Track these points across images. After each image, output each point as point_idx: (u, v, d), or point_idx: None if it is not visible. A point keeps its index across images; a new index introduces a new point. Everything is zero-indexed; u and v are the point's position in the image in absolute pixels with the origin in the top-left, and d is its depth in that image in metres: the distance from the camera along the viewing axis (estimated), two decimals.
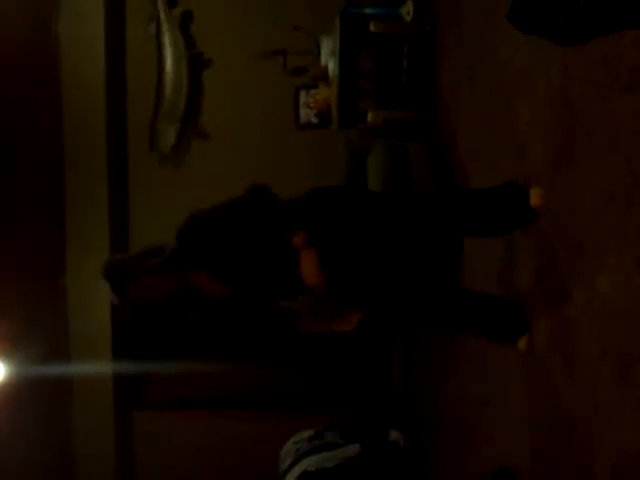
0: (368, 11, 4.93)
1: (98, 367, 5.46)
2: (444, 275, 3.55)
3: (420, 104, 4.77)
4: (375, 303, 2.63)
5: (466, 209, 2.69)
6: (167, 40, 5.67)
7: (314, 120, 5.59)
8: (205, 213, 2.50)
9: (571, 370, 2.37)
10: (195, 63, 5.72)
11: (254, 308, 2.53)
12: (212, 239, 2.41)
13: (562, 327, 2.46)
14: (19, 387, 4.77)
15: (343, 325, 2.54)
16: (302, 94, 5.59)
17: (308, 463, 4.24)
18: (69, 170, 5.65)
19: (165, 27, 5.66)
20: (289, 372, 5.80)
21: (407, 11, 4.85)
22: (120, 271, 2.33)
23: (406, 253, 2.69)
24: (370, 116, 4.72)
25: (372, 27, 4.72)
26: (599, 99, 2.21)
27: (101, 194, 5.65)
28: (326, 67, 5.12)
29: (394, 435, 4.35)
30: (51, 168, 5.59)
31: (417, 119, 4.74)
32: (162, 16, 5.63)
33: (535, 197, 2.60)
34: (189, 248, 2.41)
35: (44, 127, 5.53)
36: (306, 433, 4.58)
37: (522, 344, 2.72)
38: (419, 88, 4.78)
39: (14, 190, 5.05)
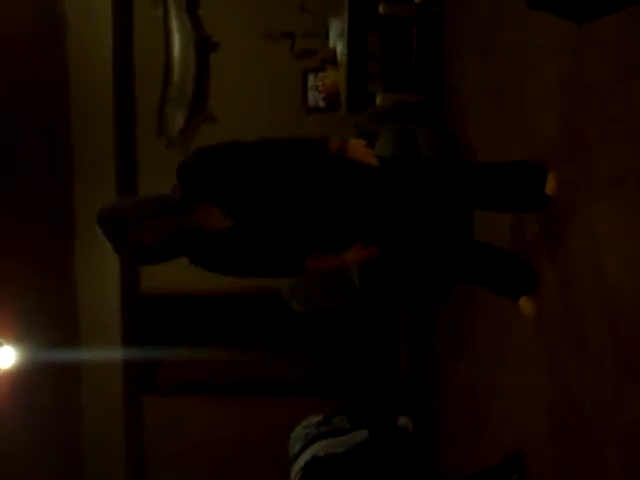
0: None
1: (108, 352, 5.48)
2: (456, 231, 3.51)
3: (429, 87, 4.71)
4: (391, 240, 2.62)
5: (478, 179, 2.64)
6: (174, 24, 5.64)
7: (322, 104, 5.54)
8: (213, 148, 2.40)
9: (582, 355, 2.34)
10: (203, 47, 5.69)
11: (261, 242, 2.43)
12: (221, 171, 2.33)
13: (572, 310, 2.43)
14: (30, 372, 4.81)
15: (357, 255, 2.47)
16: (310, 77, 5.55)
17: (317, 448, 4.24)
18: (77, 155, 5.65)
19: (172, 11, 5.63)
20: (299, 358, 5.81)
21: None
22: (118, 215, 2.20)
23: (420, 211, 2.67)
24: (379, 99, 4.67)
25: (381, 9, 4.66)
26: (611, 79, 2.16)
27: (109, 179, 5.65)
28: (334, 50, 5.08)
29: (403, 420, 4.34)
30: (59, 154, 5.59)
31: (426, 102, 4.69)
32: (169, 0, 5.59)
33: (551, 184, 2.56)
34: (195, 180, 2.32)
35: (52, 112, 5.53)
36: (315, 418, 4.57)
37: (529, 308, 2.72)
38: (428, 71, 4.72)
39: (25, 176, 5.06)
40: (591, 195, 2.30)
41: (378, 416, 4.37)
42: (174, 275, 5.82)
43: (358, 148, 2.42)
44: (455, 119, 4.32)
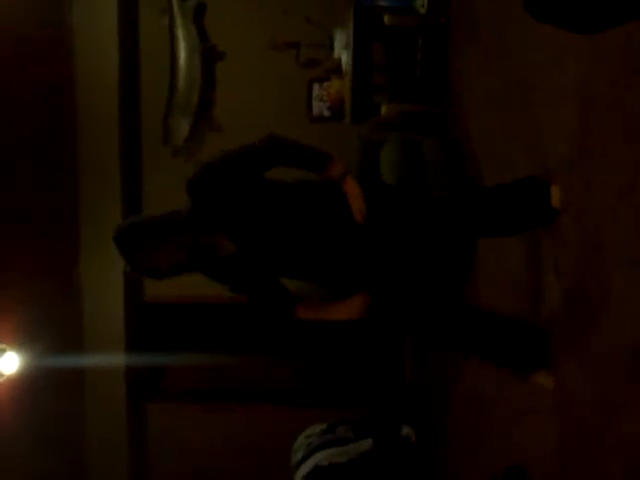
0: (382, 3, 4.89)
1: (111, 359, 5.49)
2: (454, 283, 3.46)
3: (434, 97, 4.73)
4: (383, 291, 2.56)
5: (484, 207, 2.61)
6: (180, 33, 5.67)
7: (327, 113, 5.55)
8: (218, 161, 2.37)
9: (586, 363, 2.35)
10: (208, 56, 5.72)
11: (259, 275, 2.42)
12: (225, 189, 2.31)
13: (579, 323, 2.44)
14: (33, 378, 4.80)
15: (346, 310, 2.39)
16: (315, 87, 5.56)
17: (320, 457, 4.23)
18: (82, 163, 5.67)
19: (178, 20, 5.65)
20: (302, 366, 5.80)
21: (421, 4, 4.81)
22: (135, 236, 2.24)
23: (418, 252, 2.62)
24: (384, 109, 4.69)
25: (386, 20, 4.69)
26: (617, 90, 2.17)
27: (114, 187, 5.67)
28: (339, 60, 5.10)
29: (406, 430, 4.33)
30: (65, 162, 5.61)
31: (431, 112, 4.71)
32: (175, 9, 5.62)
33: (556, 197, 2.55)
34: (201, 200, 2.31)
35: (57, 121, 5.55)
36: (318, 427, 4.57)
37: (545, 380, 2.62)
38: (433, 81, 4.74)
39: (29, 184, 5.08)
40: (598, 205, 2.31)
41: (382, 426, 4.37)
42: (178, 282, 5.84)
43: (355, 195, 2.35)
44: (460, 128, 4.33)
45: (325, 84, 5.47)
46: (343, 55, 4.99)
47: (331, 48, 5.26)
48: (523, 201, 2.60)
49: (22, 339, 4.74)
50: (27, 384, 4.79)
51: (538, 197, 2.58)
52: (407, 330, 3.03)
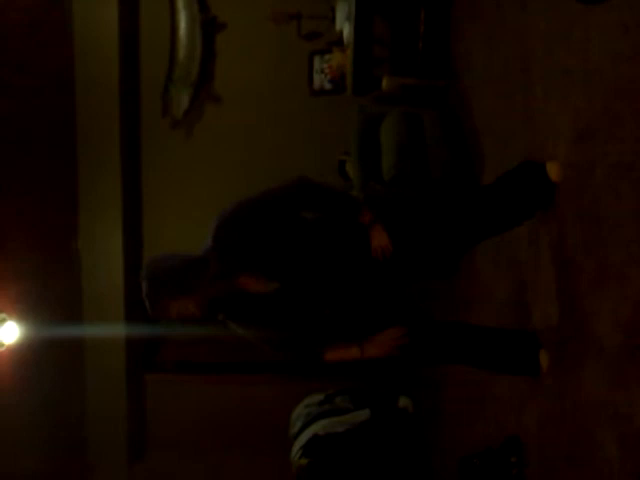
0: None
1: (111, 329, 5.52)
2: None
3: (436, 71, 4.71)
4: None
5: (487, 210, 2.60)
6: (181, 4, 5.61)
7: (328, 86, 5.53)
8: (239, 211, 2.28)
9: (582, 337, 2.38)
10: (209, 27, 5.67)
11: (292, 314, 2.40)
12: (252, 239, 2.25)
13: (578, 316, 2.46)
14: (33, 348, 4.84)
15: (379, 346, 2.41)
16: (316, 60, 5.53)
17: (318, 427, 4.29)
18: (82, 135, 5.65)
19: None
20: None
21: None
22: (164, 286, 2.17)
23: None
24: (385, 82, 4.67)
25: None
26: (620, 64, 2.17)
27: (114, 159, 5.66)
28: (341, 32, 5.07)
29: (403, 401, 4.39)
30: (64, 134, 5.59)
31: (432, 86, 4.69)
32: None
33: (554, 172, 2.56)
34: (229, 252, 2.25)
35: (56, 92, 5.52)
36: (317, 397, 4.62)
37: (543, 363, 2.66)
38: (435, 55, 4.72)
39: (28, 156, 5.07)
40: (600, 182, 2.32)
41: (379, 396, 4.42)
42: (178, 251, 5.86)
43: (383, 240, 2.36)
44: (461, 102, 4.32)
45: (326, 57, 5.44)
46: (345, 27, 4.95)
47: (333, 20, 5.23)
48: (522, 189, 2.60)
49: (22, 309, 4.76)
50: (27, 354, 4.82)
51: (536, 179, 2.58)
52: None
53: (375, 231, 2.39)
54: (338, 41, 5.19)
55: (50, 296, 5.18)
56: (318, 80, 5.55)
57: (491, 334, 2.76)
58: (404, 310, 2.51)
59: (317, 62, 5.53)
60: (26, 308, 4.81)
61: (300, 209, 2.34)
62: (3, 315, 4.64)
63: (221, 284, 2.25)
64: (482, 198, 2.69)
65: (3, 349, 4.66)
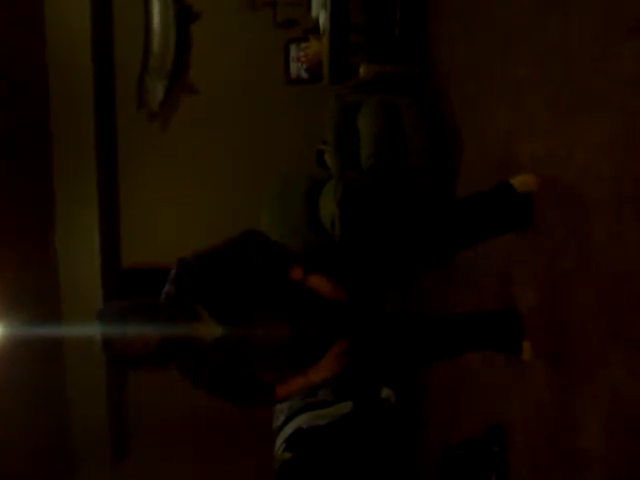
0: None
1: (90, 328, 5.44)
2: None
3: (413, 58, 4.67)
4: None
5: (464, 223, 2.58)
6: None
7: (305, 75, 5.47)
8: (201, 256, 2.40)
9: (565, 319, 2.35)
10: (183, 17, 5.59)
11: (238, 364, 2.42)
12: (211, 279, 2.34)
13: (555, 292, 2.44)
14: (12, 348, 4.76)
15: (326, 368, 2.42)
16: (293, 48, 5.47)
17: (301, 420, 4.26)
18: (56, 130, 5.56)
19: None
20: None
21: None
22: (121, 316, 2.22)
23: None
24: (362, 70, 4.62)
25: None
26: (599, 47, 2.13)
27: (89, 153, 5.58)
28: (317, 20, 5.00)
29: (386, 392, 4.36)
30: (37, 128, 5.49)
31: (410, 74, 4.64)
32: None
33: (528, 184, 2.53)
34: (191, 290, 2.33)
35: (30, 84, 5.42)
36: None
37: (526, 354, 2.63)
38: (412, 42, 4.67)
39: (1, 152, 4.97)
40: (574, 168, 2.29)
41: (362, 388, 4.39)
42: (155, 249, 5.80)
43: (321, 286, 2.37)
44: (439, 90, 4.28)
45: (303, 45, 5.37)
46: (321, 15, 4.89)
47: (308, 8, 5.16)
48: (498, 210, 2.57)
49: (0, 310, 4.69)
50: (6, 354, 4.75)
51: (512, 201, 2.55)
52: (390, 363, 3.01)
53: (315, 281, 2.38)
54: (314, 29, 5.13)
55: (27, 294, 5.09)
56: (295, 69, 5.50)
57: (473, 318, 2.73)
58: (348, 324, 2.49)
59: (293, 50, 5.47)
60: (4, 307, 4.74)
61: (246, 260, 2.39)
62: None
63: (178, 326, 2.26)
64: (457, 213, 2.66)
65: None
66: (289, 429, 4.27)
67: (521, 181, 2.55)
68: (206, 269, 2.35)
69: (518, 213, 2.58)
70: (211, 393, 2.49)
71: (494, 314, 2.77)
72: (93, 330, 2.28)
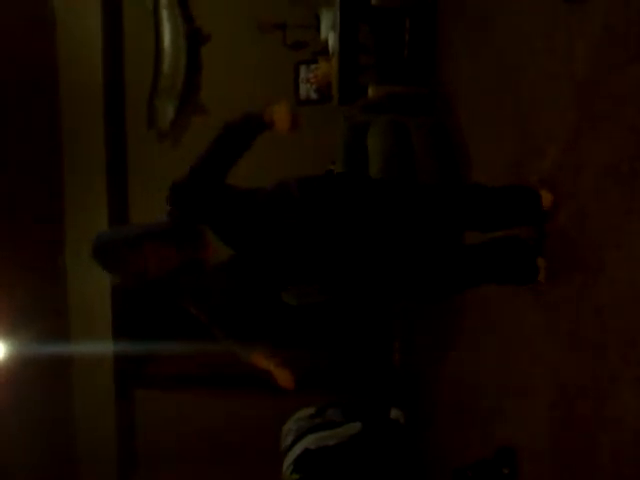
0: None
1: (98, 346, 5.45)
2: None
3: (422, 79, 4.69)
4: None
5: (473, 203, 2.53)
6: (165, 15, 5.59)
7: (314, 96, 5.51)
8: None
9: (574, 347, 2.34)
10: (193, 38, 5.64)
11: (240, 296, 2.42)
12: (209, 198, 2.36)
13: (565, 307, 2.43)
14: (19, 366, 4.76)
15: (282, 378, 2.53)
16: (302, 69, 5.51)
17: (309, 441, 4.24)
18: (67, 149, 5.60)
19: (163, 2, 5.57)
20: (291, 351, 5.78)
21: None
22: (115, 243, 2.17)
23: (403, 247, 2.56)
24: (371, 91, 4.64)
25: (373, 0, 4.64)
26: (605, 68, 2.14)
27: (99, 172, 5.61)
28: (326, 41, 5.04)
29: (395, 413, 4.34)
30: (49, 147, 5.53)
31: (419, 94, 4.67)
32: None
33: (546, 200, 2.51)
34: (189, 201, 2.35)
35: (41, 104, 5.47)
36: (308, 411, 4.57)
37: (541, 274, 2.56)
38: (421, 63, 4.70)
39: (13, 172, 5.02)
40: (584, 184, 2.29)
41: (371, 408, 4.37)
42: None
43: (281, 114, 2.40)
44: (449, 110, 4.30)
45: (312, 66, 5.41)
46: (330, 36, 4.93)
47: (317, 29, 5.21)
48: (512, 204, 2.55)
49: (8, 327, 4.69)
50: (13, 372, 4.75)
51: (528, 202, 2.53)
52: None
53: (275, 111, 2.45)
54: (323, 50, 5.17)
55: (36, 313, 5.10)
56: (304, 90, 5.53)
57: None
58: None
59: (303, 72, 5.51)
60: (12, 325, 4.74)
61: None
62: None
63: (186, 247, 2.26)
64: (471, 193, 2.62)
65: None
66: (297, 450, 4.25)
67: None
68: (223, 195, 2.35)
69: (531, 213, 2.55)
70: (213, 322, 2.52)
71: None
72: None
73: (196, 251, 2.31)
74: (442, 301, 2.77)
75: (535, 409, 2.69)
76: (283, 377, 2.55)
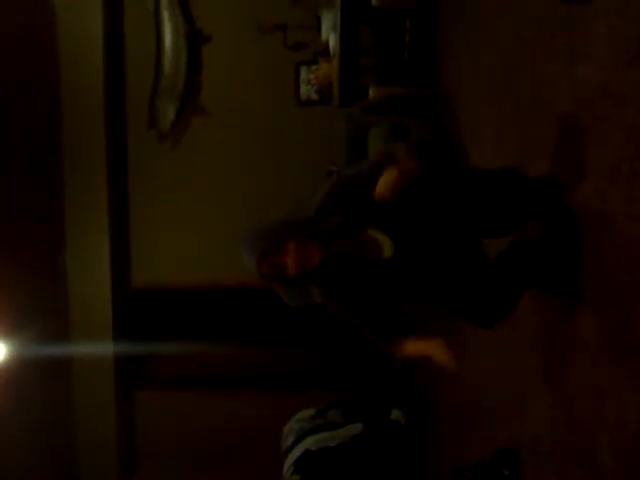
0: None
1: (99, 347, 5.45)
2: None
3: (422, 80, 4.69)
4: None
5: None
6: (166, 16, 5.59)
7: (315, 97, 5.51)
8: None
9: (576, 345, 2.34)
10: (194, 39, 5.65)
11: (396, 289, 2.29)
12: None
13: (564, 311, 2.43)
14: (19, 367, 4.76)
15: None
16: (303, 70, 5.51)
17: (310, 442, 4.24)
18: (68, 149, 5.60)
19: (163, 3, 5.57)
20: (291, 351, 5.79)
21: None
22: (275, 236, 2.01)
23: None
24: (371, 92, 4.64)
25: (373, 1, 4.64)
26: (605, 68, 2.15)
27: (100, 172, 5.62)
28: (327, 42, 5.05)
29: (395, 414, 4.34)
30: (50, 148, 5.54)
31: (419, 95, 4.67)
32: None
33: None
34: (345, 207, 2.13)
35: (42, 105, 5.48)
36: (308, 412, 4.57)
37: None
38: (421, 64, 4.70)
39: (14, 172, 5.02)
40: (594, 181, 2.29)
41: (371, 409, 4.37)
42: (165, 269, 5.82)
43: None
44: (449, 112, 4.30)
45: (312, 67, 5.41)
46: (330, 37, 4.93)
47: (318, 30, 5.21)
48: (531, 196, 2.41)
49: (8, 328, 4.69)
50: (14, 373, 4.75)
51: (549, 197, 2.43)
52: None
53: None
54: (324, 51, 5.17)
55: (37, 314, 5.10)
56: (305, 91, 5.54)
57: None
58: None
59: (304, 72, 5.51)
60: (12, 326, 4.74)
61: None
62: None
63: (340, 241, 2.11)
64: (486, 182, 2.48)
65: None
66: (298, 451, 4.25)
67: None
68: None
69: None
70: (354, 317, 2.36)
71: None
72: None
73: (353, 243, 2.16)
74: (496, 322, 2.59)
75: (535, 409, 2.69)
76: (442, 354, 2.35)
